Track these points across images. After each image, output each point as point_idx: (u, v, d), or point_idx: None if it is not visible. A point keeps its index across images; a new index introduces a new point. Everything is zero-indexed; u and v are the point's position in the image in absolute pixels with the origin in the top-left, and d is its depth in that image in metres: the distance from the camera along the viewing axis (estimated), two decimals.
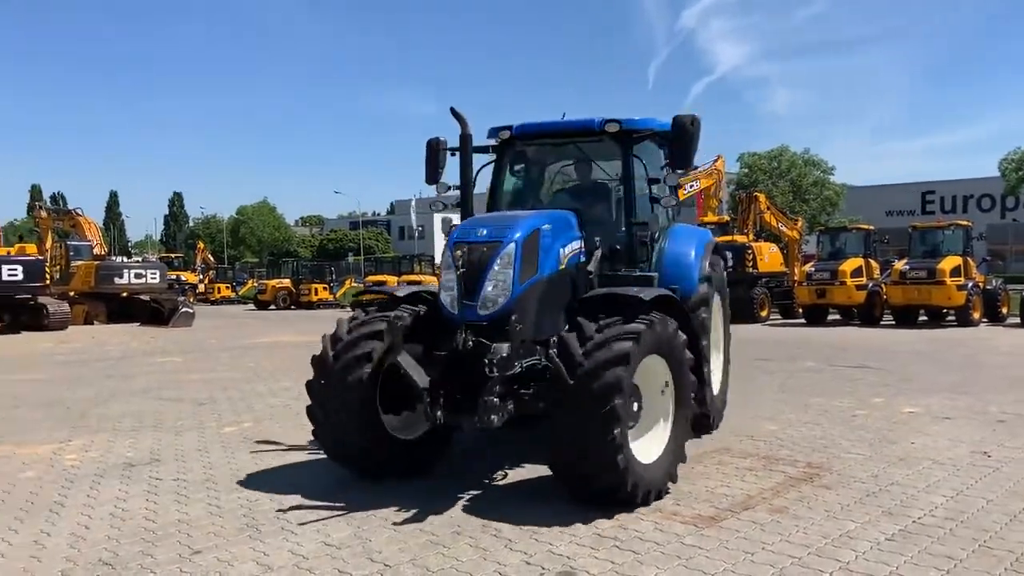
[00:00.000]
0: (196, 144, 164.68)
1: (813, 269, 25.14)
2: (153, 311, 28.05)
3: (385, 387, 5.94)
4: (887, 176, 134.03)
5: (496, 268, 5.89)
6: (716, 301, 8.31)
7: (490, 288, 5.88)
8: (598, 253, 6.87)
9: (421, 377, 5.61)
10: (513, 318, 5.77)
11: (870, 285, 24.19)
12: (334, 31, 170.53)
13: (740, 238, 26.82)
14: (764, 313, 25.66)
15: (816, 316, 24.74)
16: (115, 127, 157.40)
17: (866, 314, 23.97)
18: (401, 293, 6.66)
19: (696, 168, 26.06)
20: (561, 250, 6.44)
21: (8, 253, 26.09)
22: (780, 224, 29.29)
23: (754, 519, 5.44)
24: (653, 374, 5.86)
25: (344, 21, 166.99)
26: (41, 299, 25.18)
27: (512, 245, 5.95)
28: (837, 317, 25.43)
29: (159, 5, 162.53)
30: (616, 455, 5.30)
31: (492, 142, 7.74)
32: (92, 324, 27.92)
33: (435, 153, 7.52)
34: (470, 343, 5.67)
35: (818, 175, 57.82)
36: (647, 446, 5.85)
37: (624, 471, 5.36)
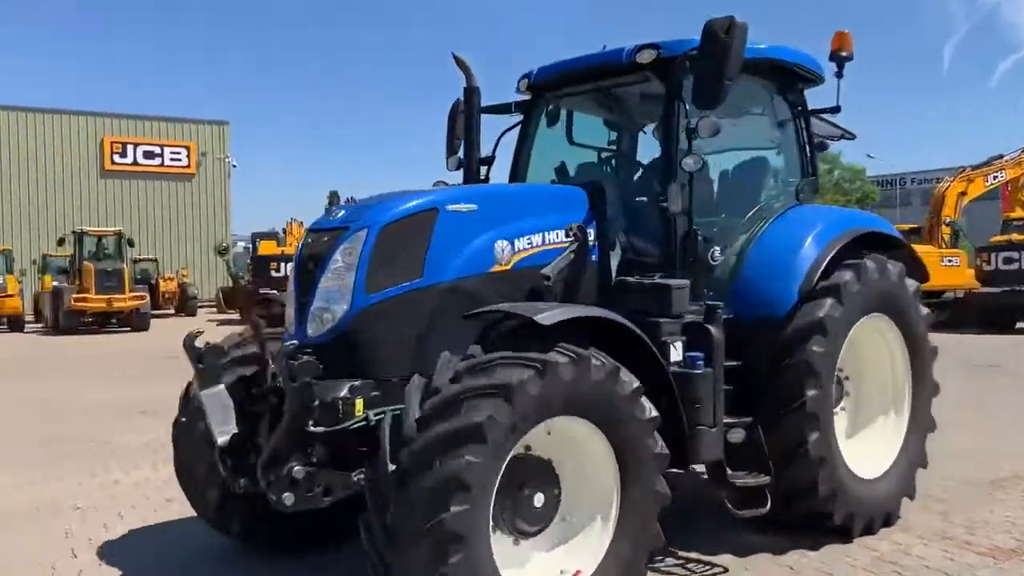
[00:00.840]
0: None
1: None
2: None
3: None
4: None
5: (333, 267, 3.95)
6: (871, 329, 5.15)
7: (323, 297, 3.97)
8: (573, 247, 4.50)
9: (221, 425, 3.88)
10: (290, 340, 3.88)
11: None
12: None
13: None
14: None
15: None
16: (393, 136, 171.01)
17: None
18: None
19: (1003, 157, 23.12)
20: (503, 244, 4.24)
21: None
22: None
23: None
24: (579, 446, 3.72)
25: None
26: None
27: (361, 234, 3.93)
28: None
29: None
30: None
31: (519, 98, 5.75)
32: None
33: (454, 118, 5.66)
34: (280, 378, 3.84)
35: None
36: (564, 564, 3.71)
37: None
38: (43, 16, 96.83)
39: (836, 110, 5.50)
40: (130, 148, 42.35)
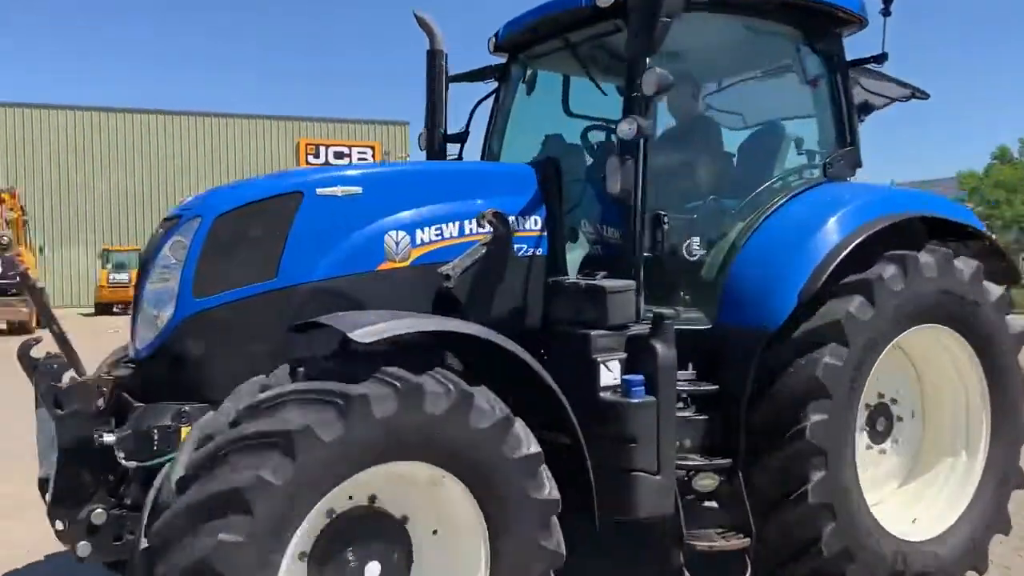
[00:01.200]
0: None
1: None
2: None
3: None
4: None
5: (161, 264, 3.27)
6: (932, 345, 4.09)
7: (151, 301, 3.28)
8: (488, 239, 3.53)
9: (47, 453, 3.20)
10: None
11: None
12: None
13: None
14: None
15: None
16: None
17: None
18: None
19: None
20: (398, 236, 3.42)
21: None
22: None
23: None
24: (436, 496, 2.91)
25: None
26: None
27: (193, 224, 3.23)
28: None
29: None
30: None
31: (497, 60, 4.90)
32: None
33: None
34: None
35: None
36: None
37: None
38: (252, 33, 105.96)
39: (882, 59, 4.37)
40: (322, 149, 45.30)
